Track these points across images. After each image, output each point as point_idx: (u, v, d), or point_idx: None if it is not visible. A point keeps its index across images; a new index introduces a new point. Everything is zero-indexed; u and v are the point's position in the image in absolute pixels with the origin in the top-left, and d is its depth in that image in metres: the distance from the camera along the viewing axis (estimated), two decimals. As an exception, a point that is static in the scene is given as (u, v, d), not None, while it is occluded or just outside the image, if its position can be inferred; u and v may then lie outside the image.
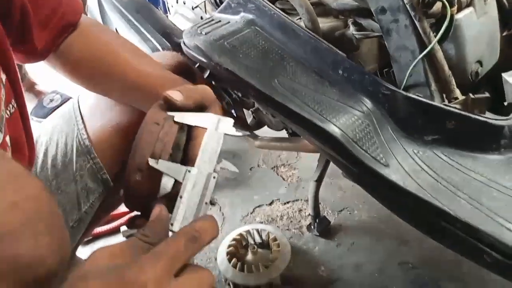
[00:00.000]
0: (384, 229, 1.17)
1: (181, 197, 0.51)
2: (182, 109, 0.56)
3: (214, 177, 0.52)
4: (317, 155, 1.48)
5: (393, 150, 0.62)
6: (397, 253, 1.09)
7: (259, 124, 1.13)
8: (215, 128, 0.56)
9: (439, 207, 0.55)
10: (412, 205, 0.58)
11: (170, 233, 0.48)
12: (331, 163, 1.17)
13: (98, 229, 1.25)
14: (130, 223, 0.58)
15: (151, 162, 0.52)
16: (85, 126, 0.82)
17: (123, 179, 0.78)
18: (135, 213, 0.58)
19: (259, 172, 1.46)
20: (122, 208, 1.26)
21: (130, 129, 0.78)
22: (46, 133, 0.79)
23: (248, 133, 0.85)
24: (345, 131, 0.57)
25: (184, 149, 0.59)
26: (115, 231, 1.27)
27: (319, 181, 1.15)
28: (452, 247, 0.60)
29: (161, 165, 0.52)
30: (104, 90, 0.75)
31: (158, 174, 0.54)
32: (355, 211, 1.25)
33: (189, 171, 0.52)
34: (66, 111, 0.81)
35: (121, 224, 1.26)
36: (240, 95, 0.94)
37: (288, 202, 1.32)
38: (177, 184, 0.56)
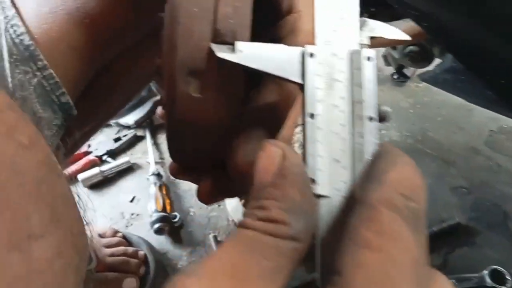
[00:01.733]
0: (422, 149, 0.97)
1: (312, 115, 0.22)
2: None
3: (368, 59, 0.23)
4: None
5: None
6: (445, 177, 0.91)
7: None
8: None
9: None
10: None
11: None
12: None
13: (46, 181, 0.92)
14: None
15: (218, 50, 0.23)
16: (19, 13, 0.45)
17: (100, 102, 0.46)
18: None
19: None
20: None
21: (102, 16, 0.44)
22: None
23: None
24: None
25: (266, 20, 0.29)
26: (71, 179, 0.94)
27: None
28: None
29: (242, 51, 0.23)
30: None
31: (235, 74, 0.24)
32: (382, 130, 1.03)
33: (311, 55, 0.23)
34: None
35: (78, 171, 0.94)
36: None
37: (296, 125, 1.06)
38: (286, 90, 0.27)
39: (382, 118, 0.23)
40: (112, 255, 0.74)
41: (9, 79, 0.43)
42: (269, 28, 0.30)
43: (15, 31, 0.43)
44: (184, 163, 0.30)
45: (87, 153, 0.97)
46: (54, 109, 0.46)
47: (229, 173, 0.27)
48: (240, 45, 0.22)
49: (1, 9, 0.43)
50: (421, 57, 0.75)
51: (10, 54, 0.42)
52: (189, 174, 0.33)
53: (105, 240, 0.77)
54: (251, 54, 0.22)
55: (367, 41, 0.25)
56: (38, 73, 0.44)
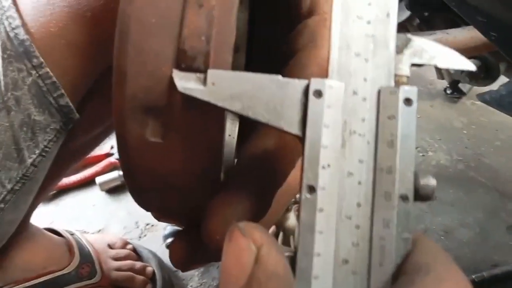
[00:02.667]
0: (475, 177, 0.85)
1: (311, 189, 0.14)
2: None
3: (407, 102, 0.15)
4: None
5: None
6: (500, 212, 0.79)
7: None
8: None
9: None
10: None
11: None
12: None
13: (65, 180, 0.90)
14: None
15: (181, 81, 0.15)
16: (15, 4, 0.41)
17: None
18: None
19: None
20: (98, 149, 0.90)
21: (106, 11, 0.39)
22: None
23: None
24: None
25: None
26: (89, 182, 0.91)
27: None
28: None
29: (216, 85, 0.15)
30: None
31: (210, 113, 0.17)
32: (428, 152, 0.92)
33: (318, 94, 0.15)
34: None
35: (97, 173, 0.90)
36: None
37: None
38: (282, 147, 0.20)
39: (423, 196, 0.15)
40: (118, 269, 0.70)
41: (1, 77, 0.38)
42: (283, 35, 0.22)
43: (10, 23, 0.38)
44: (154, 212, 0.24)
45: (108, 155, 0.94)
46: (51, 112, 0.40)
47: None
48: (213, 74, 0.15)
49: None
50: (483, 73, 0.64)
51: (4, 49, 0.38)
52: (172, 221, 0.26)
53: (113, 252, 0.72)
54: (229, 88, 0.15)
55: (406, 72, 0.17)
56: (33, 72, 0.38)
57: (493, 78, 0.65)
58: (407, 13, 0.59)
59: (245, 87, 0.15)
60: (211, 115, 0.17)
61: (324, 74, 0.16)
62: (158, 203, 0.20)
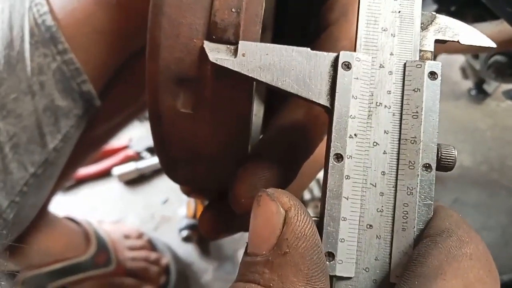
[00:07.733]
0: (498, 180, 0.84)
1: (338, 157, 0.15)
2: None
3: (432, 75, 0.16)
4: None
5: None
6: (524, 217, 0.78)
7: None
8: None
9: None
10: None
11: None
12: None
13: (83, 171, 0.92)
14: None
15: (213, 52, 0.17)
16: None
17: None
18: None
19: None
20: (116, 141, 0.92)
21: (132, 0, 0.41)
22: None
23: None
24: None
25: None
26: (106, 173, 0.94)
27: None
28: None
29: (246, 55, 0.16)
30: None
31: (240, 85, 0.19)
32: (451, 152, 0.91)
33: (347, 66, 0.16)
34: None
35: (115, 165, 0.92)
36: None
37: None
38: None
39: (445, 166, 0.16)
40: (133, 259, 0.72)
41: (28, 62, 0.40)
42: (313, 11, 0.23)
43: (38, 10, 0.40)
44: (184, 185, 0.25)
45: (126, 147, 0.96)
46: (74, 97, 0.42)
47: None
48: (244, 46, 0.16)
49: (28, -14, 0.41)
50: (509, 70, 0.64)
51: (32, 35, 0.40)
52: (202, 194, 0.28)
53: (129, 242, 0.74)
54: (259, 60, 0.16)
55: (431, 47, 0.17)
56: (58, 57, 0.41)
57: (520, 76, 0.65)
58: (433, 7, 0.59)
59: (275, 59, 0.16)
60: (240, 86, 0.18)
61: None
62: (188, 175, 0.21)
